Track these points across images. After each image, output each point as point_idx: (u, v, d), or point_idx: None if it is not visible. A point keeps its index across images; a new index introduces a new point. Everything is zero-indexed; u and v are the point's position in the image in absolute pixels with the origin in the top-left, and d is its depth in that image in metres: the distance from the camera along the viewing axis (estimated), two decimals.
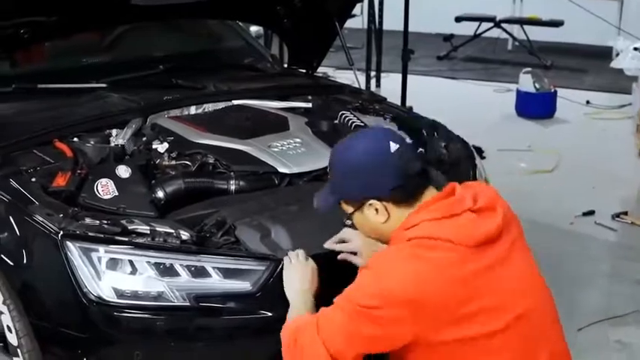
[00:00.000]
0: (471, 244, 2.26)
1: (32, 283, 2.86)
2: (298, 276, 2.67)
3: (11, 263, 2.87)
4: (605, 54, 9.41)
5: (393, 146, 2.33)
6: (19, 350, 2.92)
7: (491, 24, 10.07)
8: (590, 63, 9.87)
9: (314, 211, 2.89)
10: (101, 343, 2.76)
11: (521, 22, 10.18)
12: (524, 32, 10.08)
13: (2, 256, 2.89)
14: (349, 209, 2.45)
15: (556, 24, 9.76)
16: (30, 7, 3.27)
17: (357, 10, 9.84)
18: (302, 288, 2.64)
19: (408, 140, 2.45)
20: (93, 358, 2.78)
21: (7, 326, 2.95)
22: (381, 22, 8.24)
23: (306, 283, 2.65)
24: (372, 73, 8.18)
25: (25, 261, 2.86)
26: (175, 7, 3.69)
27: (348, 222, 2.53)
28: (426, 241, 2.26)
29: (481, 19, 10.09)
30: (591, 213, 5.42)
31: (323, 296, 2.67)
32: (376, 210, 2.37)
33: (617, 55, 8.42)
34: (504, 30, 10.18)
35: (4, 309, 2.93)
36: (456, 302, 2.22)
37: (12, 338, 2.94)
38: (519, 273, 2.36)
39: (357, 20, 9.32)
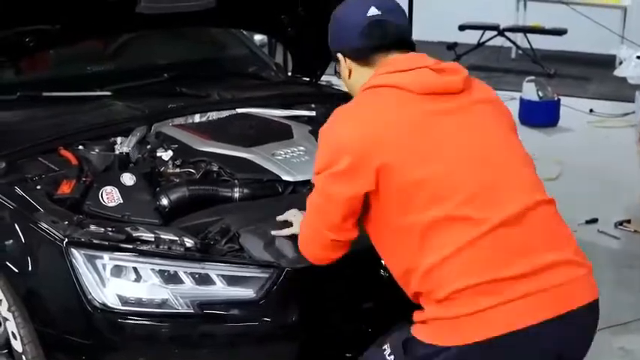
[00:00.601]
0: (420, 92, 2.36)
1: (37, 290, 2.88)
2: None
3: (16, 270, 2.89)
4: (608, 62, 9.42)
5: (373, 11, 2.45)
6: (23, 357, 2.94)
7: (495, 32, 10.07)
8: (593, 71, 9.88)
9: None
10: (105, 349, 2.78)
11: (525, 30, 10.19)
12: (528, 41, 10.10)
13: (7, 263, 2.91)
14: (339, 59, 2.55)
15: (559, 32, 9.77)
16: (34, 15, 3.29)
17: None
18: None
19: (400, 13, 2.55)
20: None
21: (12, 333, 2.96)
22: None
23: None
24: None
25: (30, 268, 2.88)
26: (180, 16, 3.70)
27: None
28: (372, 90, 2.41)
29: (484, 28, 10.09)
30: (594, 221, 5.43)
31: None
32: (345, 61, 2.52)
33: (621, 63, 8.42)
34: (508, 38, 10.19)
35: (9, 316, 2.94)
36: (407, 135, 2.31)
37: (17, 345, 2.95)
38: (486, 128, 2.42)
39: None
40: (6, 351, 3.07)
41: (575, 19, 9.25)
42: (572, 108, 8.04)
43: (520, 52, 10.43)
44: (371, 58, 2.48)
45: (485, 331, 2.19)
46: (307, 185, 3.25)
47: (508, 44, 10.34)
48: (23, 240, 2.89)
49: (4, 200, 2.97)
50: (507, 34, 10.15)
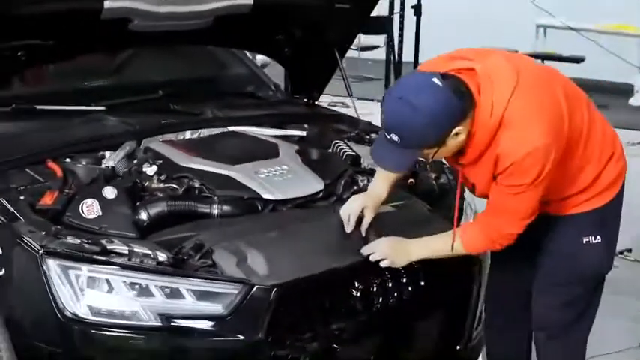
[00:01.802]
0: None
1: (13, 298, 2.93)
2: (398, 246, 3.02)
3: None
4: (625, 91, 9.39)
5: (438, 81, 2.59)
6: None
7: None
8: (610, 100, 9.82)
9: (292, 237, 2.99)
10: (76, 359, 2.82)
11: (542, 57, 10.17)
12: None
13: None
14: (430, 153, 2.71)
15: (576, 60, 9.76)
16: (27, 30, 3.34)
17: (380, 41, 9.95)
18: (411, 246, 3.02)
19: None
20: None
21: None
22: (400, 54, 8.32)
23: (406, 243, 3.02)
24: None
25: (7, 276, 2.93)
26: (174, 34, 3.74)
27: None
28: (512, 98, 2.67)
29: None
30: None
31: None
32: (457, 134, 2.65)
33: (638, 92, 8.42)
34: None
35: None
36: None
37: None
38: None
39: (381, 51, 9.41)
40: None
41: (593, 47, 9.25)
42: None
43: None
44: (471, 102, 2.65)
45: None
46: (287, 204, 3.30)
47: None
48: (2, 248, 2.94)
49: None
50: None
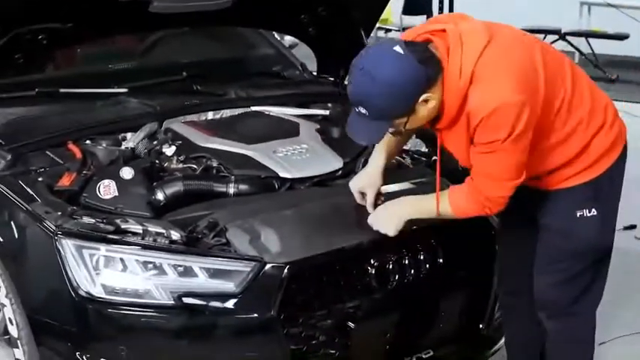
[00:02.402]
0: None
1: (29, 278, 2.97)
2: (387, 212, 2.95)
3: (11, 258, 3.00)
4: None
5: (399, 49, 2.54)
6: (18, 342, 3.02)
7: (557, 36, 9.93)
8: None
9: (306, 215, 2.99)
10: (89, 337, 2.85)
11: (587, 34, 10.03)
12: (590, 45, 9.94)
13: (4, 251, 3.01)
14: (402, 122, 2.65)
15: (621, 37, 9.61)
16: (47, 14, 3.37)
17: (422, 21, 9.85)
18: (398, 206, 2.96)
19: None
20: (83, 352, 2.85)
21: (9, 319, 3.05)
22: None
23: (393, 204, 2.97)
24: None
25: (23, 256, 2.98)
26: (196, 15, 3.74)
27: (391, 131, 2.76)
28: (482, 57, 2.59)
29: (546, 32, 9.93)
30: (632, 227, 5.35)
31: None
32: (426, 101, 2.60)
33: None
34: (569, 43, 10.04)
35: (7, 302, 3.03)
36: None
37: (13, 330, 3.04)
38: None
39: None
40: (8, 337, 3.16)
41: (638, 25, 9.10)
42: (633, 115, 7.86)
43: (582, 57, 10.26)
44: (437, 67, 2.59)
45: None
46: (305, 182, 3.29)
47: (570, 49, 10.18)
48: (19, 229, 2.99)
49: (5, 190, 3.07)
50: (569, 38, 10.00)
